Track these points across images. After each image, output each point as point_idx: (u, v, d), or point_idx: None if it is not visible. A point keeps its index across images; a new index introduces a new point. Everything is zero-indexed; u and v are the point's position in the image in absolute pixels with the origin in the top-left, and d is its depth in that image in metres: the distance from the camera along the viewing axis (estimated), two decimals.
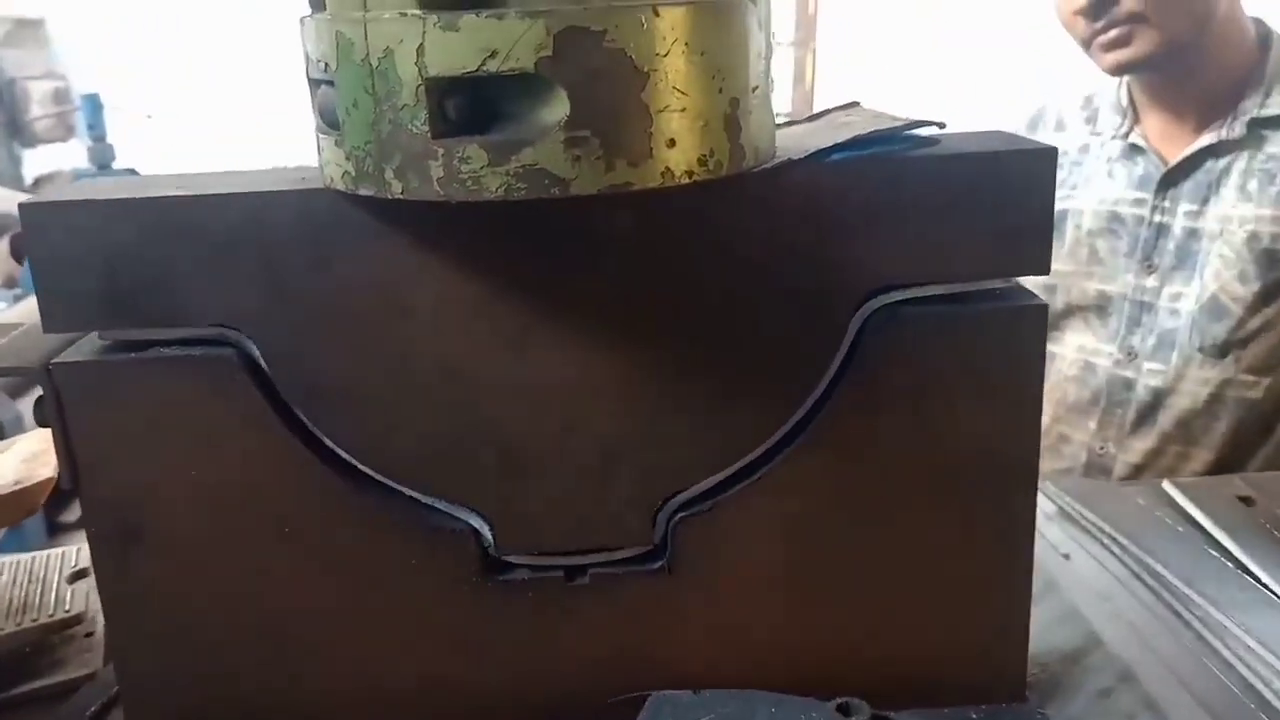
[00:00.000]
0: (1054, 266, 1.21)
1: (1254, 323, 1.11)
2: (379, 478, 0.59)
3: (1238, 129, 1.13)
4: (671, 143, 0.48)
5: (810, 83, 3.99)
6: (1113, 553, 0.80)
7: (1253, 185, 1.12)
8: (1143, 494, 0.90)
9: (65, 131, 4.16)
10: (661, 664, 0.62)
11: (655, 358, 0.58)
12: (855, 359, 0.58)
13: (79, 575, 0.79)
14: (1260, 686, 0.65)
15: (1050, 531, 0.85)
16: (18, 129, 4.19)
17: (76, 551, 0.82)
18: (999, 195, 0.57)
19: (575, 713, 0.62)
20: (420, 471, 0.59)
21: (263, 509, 0.58)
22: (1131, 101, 1.22)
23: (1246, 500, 0.90)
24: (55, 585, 0.78)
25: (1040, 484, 0.90)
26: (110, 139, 3.63)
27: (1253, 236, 1.10)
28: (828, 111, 0.66)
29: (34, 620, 0.73)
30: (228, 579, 0.60)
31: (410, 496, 0.61)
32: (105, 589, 0.59)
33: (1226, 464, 1.14)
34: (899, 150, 0.57)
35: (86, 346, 0.58)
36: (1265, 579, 0.77)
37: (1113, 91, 1.25)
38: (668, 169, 0.48)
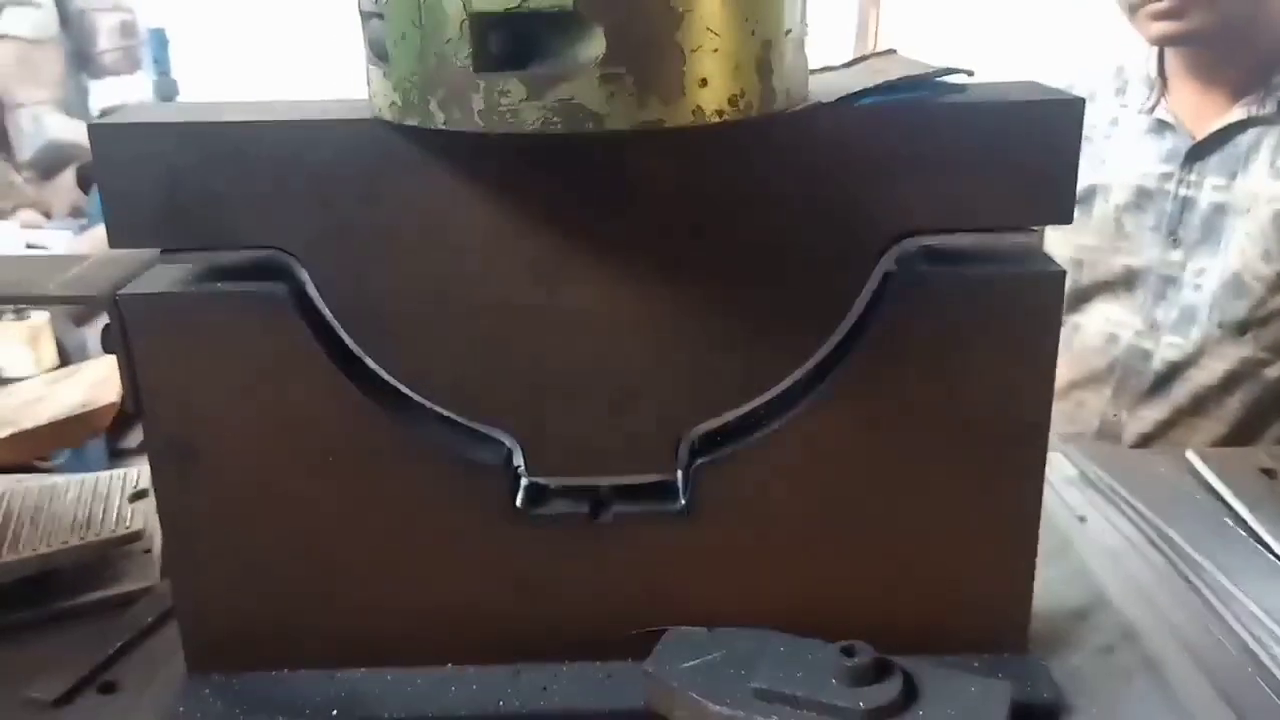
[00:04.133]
0: (1081, 241, 1.22)
1: (1275, 302, 1.10)
2: (418, 399, 0.62)
3: (1270, 105, 1.11)
4: (704, 82, 0.50)
5: (874, 37, 3.93)
6: (1128, 517, 0.82)
7: None
8: (1164, 462, 0.91)
9: (131, 65, 4.22)
10: (679, 601, 0.66)
11: (683, 293, 0.60)
12: (877, 316, 0.61)
13: (139, 495, 0.84)
14: (1259, 650, 0.67)
15: (1069, 494, 0.87)
16: (85, 60, 4.26)
17: (138, 474, 0.87)
18: (1025, 143, 0.58)
19: (596, 643, 0.66)
20: (457, 394, 0.62)
21: (309, 438, 0.62)
22: (1161, 73, 1.20)
23: (1269, 473, 0.91)
24: (117, 504, 0.82)
25: (1062, 447, 0.93)
26: (174, 74, 3.69)
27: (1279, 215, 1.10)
28: (865, 58, 0.67)
29: (96, 535, 0.78)
30: (276, 501, 0.64)
31: (447, 432, 0.64)
32: (163, 505, 0.64)
33: (1237, 439, 1.14)
34: (928, 96, 0.59)
35: (151, 279, 0.62)
36: (1276, 547, 0.78)
37: (1142, 64, 1.23)
38: (699, 108, 0.51)
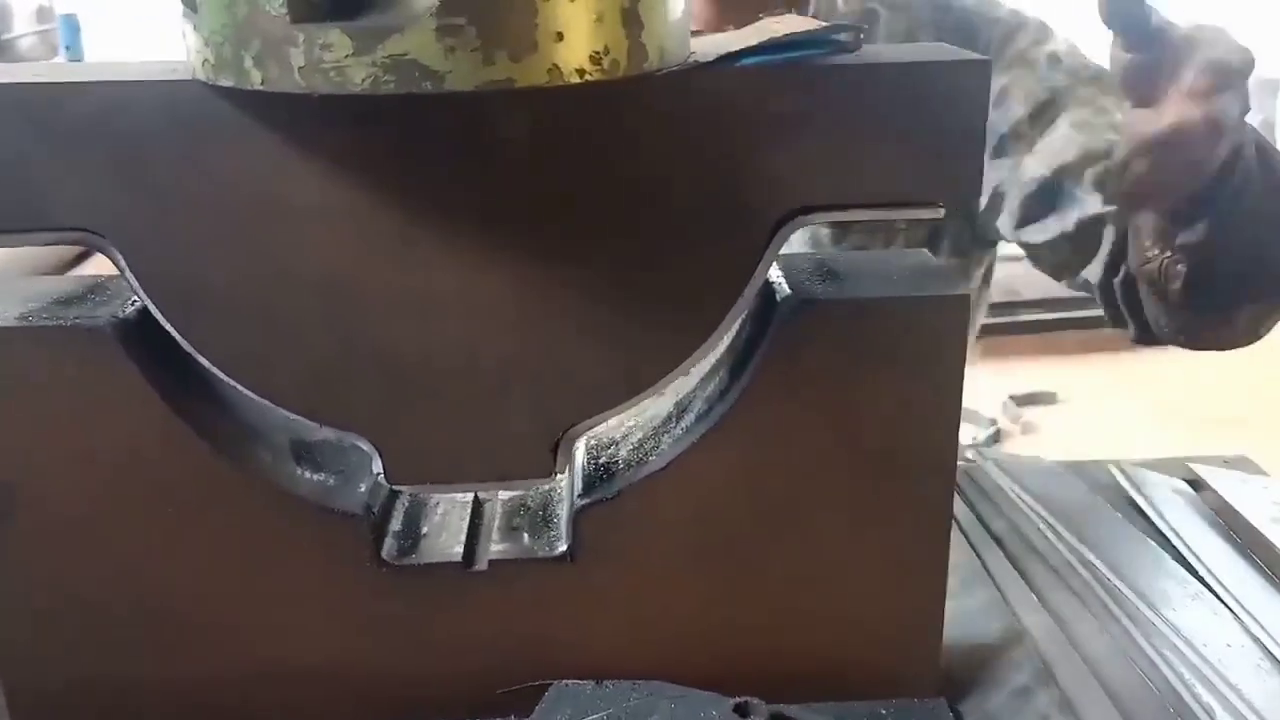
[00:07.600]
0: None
1: None
2: (256, 398, 0.55)
3: None
4: (560, 36, 0.44)
5: None
6: (1048, 538, 0.78)
7: None
8: (1085, 476, 0.87)
9: (48, 50, 4.07)
10: (564, 652, 0.60)
11: (554, 274, 0.54)
12: (767, 342, 0.56)
13: None
14: (1180, 688, 0.63)
15: (985, 510, 0.82)
16: (0, 46, 4.10)
17: None
18: (926, 110, 0.52)
19: (475, 699, 0.61)
20: (301, 392, 0.55)
21: (143, 485, 0.56)
22: None
23: (1195, 484, 0.88)
24: None
25: (983, 463, 0.89)
26: (88, 60, 3.56)
27: None
28: (758, 18, 0.62)
29: None
30: (110, 555, 0.57)
31: (303, 477, 0.59)
32: None
33: None
34: (817, 56, 0.53)
35: None
36: (1200, 569, 0.75)
37: None
38: (555, 66, 0.45)
